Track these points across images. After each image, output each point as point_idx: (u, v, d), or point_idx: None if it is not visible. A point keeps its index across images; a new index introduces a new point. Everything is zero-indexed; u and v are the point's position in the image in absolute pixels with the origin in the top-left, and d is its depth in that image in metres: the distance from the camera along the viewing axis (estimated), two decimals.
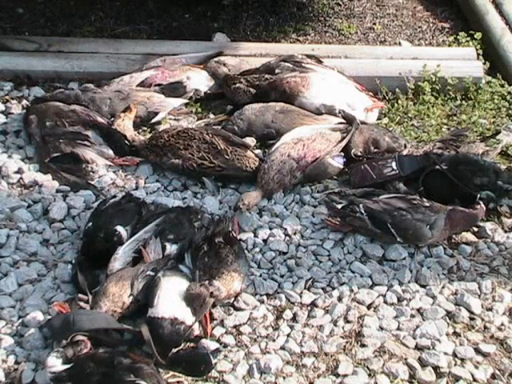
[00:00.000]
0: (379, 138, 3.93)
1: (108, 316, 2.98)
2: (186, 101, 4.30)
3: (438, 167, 3.65)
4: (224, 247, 3.24)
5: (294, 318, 3.13)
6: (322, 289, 3.26)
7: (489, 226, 3.56)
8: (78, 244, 3.38)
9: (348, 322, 3.12)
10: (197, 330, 3.02)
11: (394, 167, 3.71)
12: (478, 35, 4.82)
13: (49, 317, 3.04)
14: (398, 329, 3.10)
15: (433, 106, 4.36)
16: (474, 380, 2.91)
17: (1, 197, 3.63)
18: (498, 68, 4.65)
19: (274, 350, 2.99)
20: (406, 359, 2.97)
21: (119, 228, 3.32)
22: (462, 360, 2.98)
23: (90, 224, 3.35)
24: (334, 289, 3.25)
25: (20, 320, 3.07)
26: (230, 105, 4.28)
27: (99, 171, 3.82)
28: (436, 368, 2.94)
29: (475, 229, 3.55)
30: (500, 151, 3.98)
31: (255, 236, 3.50)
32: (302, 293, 3.23)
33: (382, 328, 3.09)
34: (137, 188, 3.75)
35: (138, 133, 4.05)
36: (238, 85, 4.24)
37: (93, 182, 3.74)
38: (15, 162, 3.85)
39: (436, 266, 3.36)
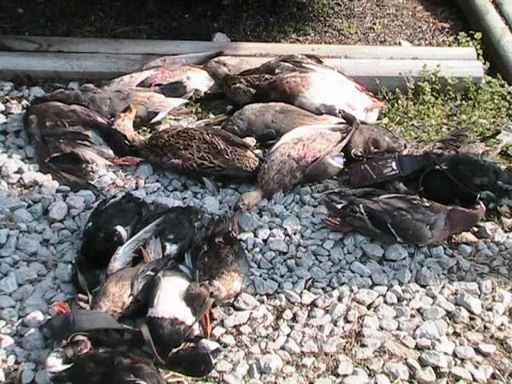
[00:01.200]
0: (379, 138, 3.93)
1: (108, 316, 2.98)
2: (186, 101, 4.30)
3: (438, 167, 3.65)
4: (224, 247, 3.24)
5: (294, 318, 3.13)
6: (322, 289, 3.26)
7: (489, 226, 3.55)
8: (78, 244, 3.38)
9: (348, 322, 3.12)
10: (197, 329, 3.02)
11: (394, 167, 3.71)
12: (478, 35, 4.82)
13: (49, 317, 3.04)
14: (398, 329, 3.10)
15: (433, 106, 4.36)
16: (474, 380, 2.91)
17: (1, 197, 3.63)
18: (498, 68, 4.65)
19: (274, 350, 2.99)
20: (406, 359, 2.97)
21: (119, 228, 3.32)
22: (462, 360, 2.98)
23: (90, 224, 3.35)
24: (334, 289, 3.25)
25: (20, 320, 3.07)
26: (230, 105, 4.28)
27: (99, 171, 3.81)
28: (436, 368, 2.94)
29: (475, 229, 3.55)
30: (500, 151, 3.98)
31: (255, 236, 3.49)
32: (302, 293, 3.23)
33: (382, 328, 3.09)
34: (137, 188, 3.75)
35: (138, 133, 4.05)
36: (238, 85, 4.24)
37: (93, 182, 3.74)
38: (15, 162, 3.85)
39: (436, 265, 3.36)
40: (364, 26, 5.20)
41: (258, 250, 3.43)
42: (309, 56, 4.45)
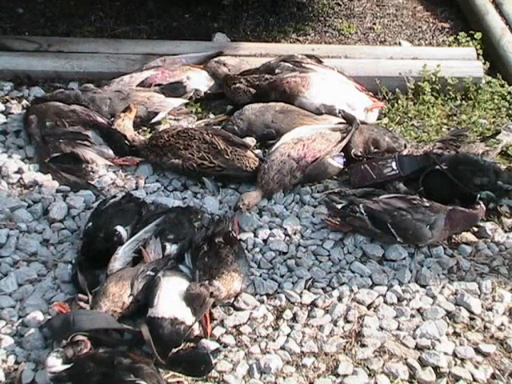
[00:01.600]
0: (379, 138, 3.93)
1: (108, 316, 2.98)
2: (186, 101, 4.30)
3: (438, 167, 3.65)
4: (224, 247, 3.24)
5: (294, 318, 3.13)
6: (322, 289, 3.25)
7: (489, 226, 3.55)
8: (78, 244, 3.38)
9: (348, 322, 3.12)
10: (197, 329, 3.02)
11: (394, 167, 3.71)
12: (478, 35, 4.82)
13: (49, 317, 3.04)
14: (398, 329, 3.10)
15: (433, 106, 4.36)
16: (474, 380, 2.91)
17: (1, 197, 3.63)
18: (498, 68, 4.65)
19: (274, 350, 2.99)
20: (406, 359, 2.97)
21: (119, 228, 3.32)
22: (462, 360, 2.98)
23: (90, 224, 3.35)
24: (334, 289, 3.25)
25: (20, 320, 3.07)
26: (230, 105, 4.28)
27: (99, 171, 3.81)
28: (436, 368, 2.94)
29: (475, 229, 3.55)
30: (500, 151, 3.98)
31: (255, 236, 3.49)
32: (302, 293, 3.23)
33: (382, 328, 3.09)
34: (137, 188, 3.75)
35: (138, 133, 4.05)
36: (238, 85, 4.24)
37: (93, 182, 3.74)
38: (15, 162, 3.85)
39: (436, 265, 3.36)
40: (364, 25, 5.21)
41: (258, 249, 3.43)
42: (309, 56, 4.45)
